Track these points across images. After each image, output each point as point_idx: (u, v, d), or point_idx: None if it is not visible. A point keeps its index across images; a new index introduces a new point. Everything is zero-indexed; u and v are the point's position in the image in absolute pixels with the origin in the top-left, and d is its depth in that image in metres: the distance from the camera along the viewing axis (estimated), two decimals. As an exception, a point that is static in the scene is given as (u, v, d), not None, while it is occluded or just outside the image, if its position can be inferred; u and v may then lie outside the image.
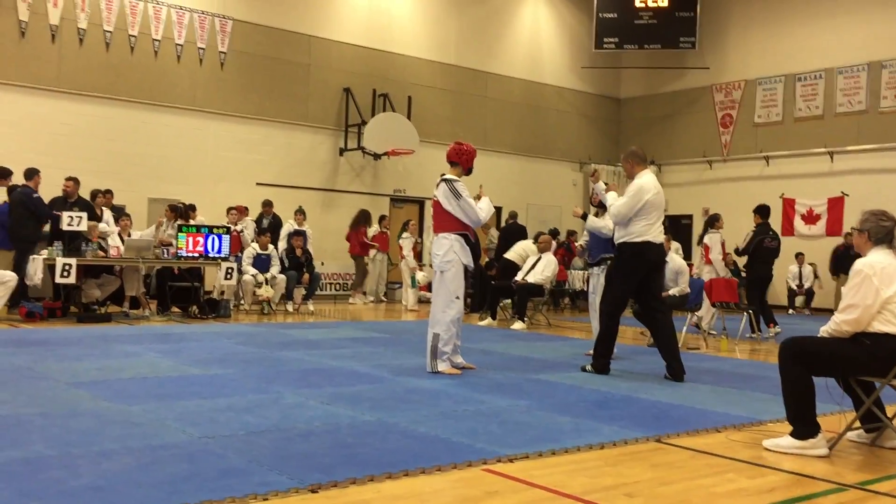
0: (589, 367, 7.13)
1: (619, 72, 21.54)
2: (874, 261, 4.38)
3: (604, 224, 8.08)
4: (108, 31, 14.10)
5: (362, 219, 15.49)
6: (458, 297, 6.76)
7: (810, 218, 17.72)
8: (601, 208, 8.03)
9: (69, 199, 11.08)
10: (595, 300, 8.14)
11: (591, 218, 8.25)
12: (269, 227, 13.69)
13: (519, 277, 12.08)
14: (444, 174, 6.91)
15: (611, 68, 21.20)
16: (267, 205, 14.18)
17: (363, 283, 15.34)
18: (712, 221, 11.62)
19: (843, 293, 4.42)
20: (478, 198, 7.11)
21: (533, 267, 12.06)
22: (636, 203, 6.84)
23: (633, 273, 6.96)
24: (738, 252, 11.64)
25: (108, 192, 12.37)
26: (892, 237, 4.44)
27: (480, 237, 14.43)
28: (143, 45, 14.47)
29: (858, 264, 4.41)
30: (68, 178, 11.22)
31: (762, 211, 11.48)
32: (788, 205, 17.99)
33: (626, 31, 20.04)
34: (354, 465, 3.82)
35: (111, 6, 14.10)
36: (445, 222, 6.82)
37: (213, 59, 15.26)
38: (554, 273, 12.29)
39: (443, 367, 6.73)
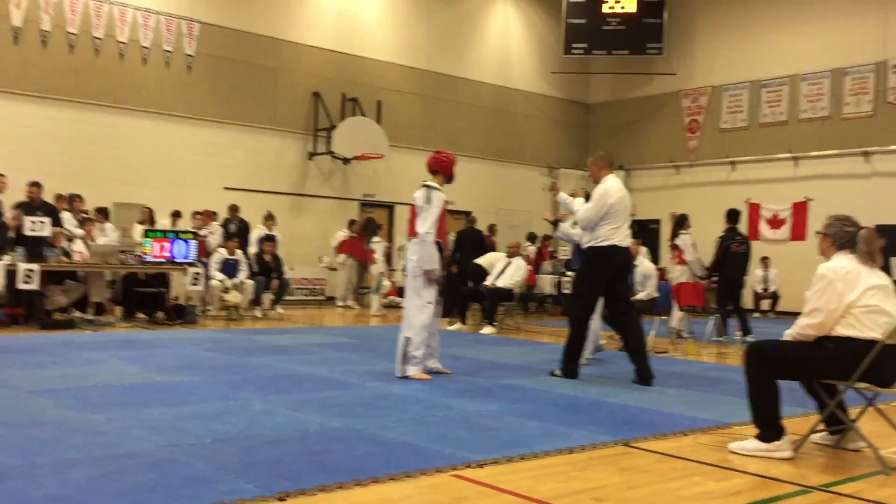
0: (557, 372, 7.13)
1: (587, 77, 21.70)
2: (837, 265, 4.44)
3: (577, 231, 8.04)
4: (72, 34, 13.91)
5: (370, 226, 15.44)
6: (429, 302, 6.75)
7: (775, 222, 17.96)
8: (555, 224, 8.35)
9: (33, 204, 10.90)
10: None
11: (562, 225, 8.27)
12: (236, 231, 13.58)
13: (488, 282, 12.09)
14: (425, 181, 6.90)
15: (579, 73, 21.34)
16: (234, 209, 14.09)
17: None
18: (681, 222, 11.64)
19: (807, 297, 4.47)
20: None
21: (503, 271, 12.07)
22: (601, 208, 6.87)
23: (600, 277, 6.97)
24: (711, 268, 11.35)
25: (77, 196, 12.21)
26: (856, 242, 4.50)
27: None
28: (108, 47, 14.30)
29: (822, 269, 4.46)
30: (31, 183, 11.04)
31: (730, 215, 11.56)
32: (754, 209, 18.21)
33: (594, 37, 20.19)
34: (323, 472, 3.79)
35: (75, 8, 13.92)
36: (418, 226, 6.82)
37: (179, 62, 15.12)
38: (523, 277, 12.33)
39: (412, 371, 6.71)
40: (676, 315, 11.05)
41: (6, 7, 13.26)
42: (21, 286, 9.78)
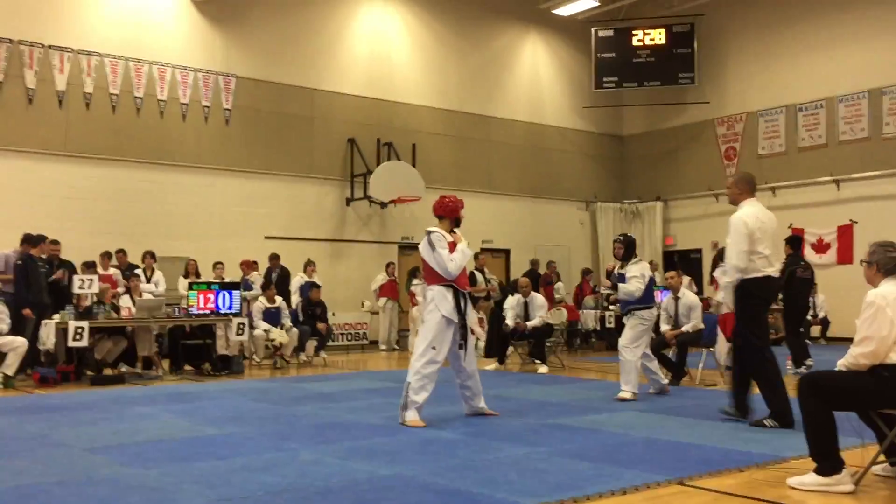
0: (769, 422, 6.37)
1: (620, 110, 21.70)
2: (886, 291, 4.36)
3: (635, 288, 8.30)
4: (113, 94, 14.32)
5: (414, 271, 15.52)
6: (433, 348, 6.62)
7: (820, 247, 17.65)
8: (614, 287, 8.63)
9: (54, 262, 11.17)
10: (627, 351, 8.25)
11: (621, 287, 8.39)
12: (276, 279, 13.72)
13: (510, 322, 11.84)
14: (429, 228, 6.94)
15: (612, 107, 21.36)
16: (274, 258, 14.26)
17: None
18: (723, 254, 11.49)
19: (858, 326, 4.39)
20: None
21: (526, 313, 11.83)
22: (741, 241, 6.41)
23: (758, 310, 6.56)
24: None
25: (121, 251, 12.54)
26: (898, 267, 4.43)
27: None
28: (148, 105, 14.68)
29: (871, 296, 4.38)
30: (53, 241, 11.31)
31: (793, 242, 11.36)
32: (798, 235, 17.92)
33: (625, 70, 20.24)
34: (374, 522, 3.77)
35: (116, 70, 14.34)
36: (430, 274, 6.85)
37: (218, 116, 15.46)
38: (547, 313, 12.18)
39: (408, 417, 6.56)
40: (723, 347, 10.85)
41: (50, 73, 13.71)
42: (71, 343, 9.97)
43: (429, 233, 6.84)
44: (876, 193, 16.89)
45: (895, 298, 4.31)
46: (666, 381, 8.88)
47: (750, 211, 6.56)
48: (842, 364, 4.49)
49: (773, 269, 6.51)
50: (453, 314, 6.70)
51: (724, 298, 6.46)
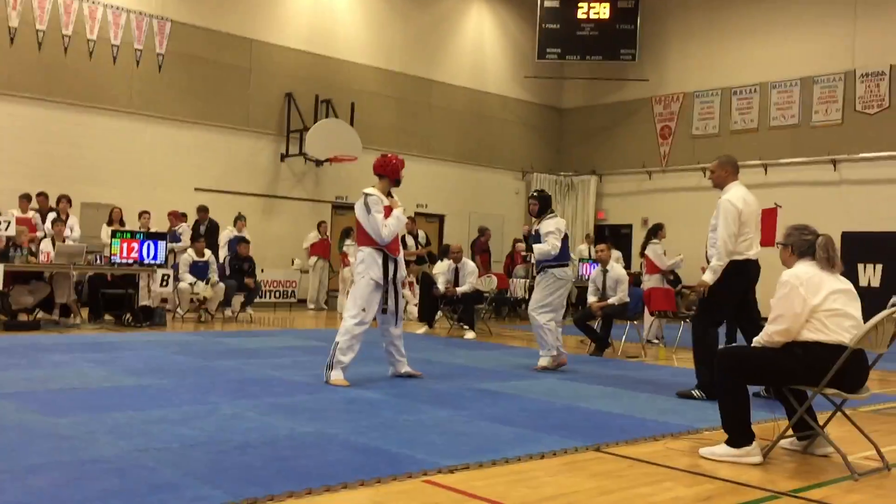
0: (697, 393, 6.50)
1: (561, 82, 21.78)
2: (799, 272, 4.50)
3: (551, 246, 8.01)
4: (40, 30, 13.69)
5: (347, 232, 15.44)
6: (364, 310, 6.59)
7: (745, 228, 18.12)
8: (529, 248, 8.38)
9: None
10: (537, 313, 8.08)
11: (537, 247, 8.13)
12: (205, 232, 13.43)
13: (441, 287, 11.96)
14: (366, 190, 6.82)
15: (553, 78, 21.42)
16: (202, 210, 13.93)
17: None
18: (655, 231, 11.69)
19: (772, 304, 4.52)
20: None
21: (456, 279, 11.93)
22: (734, 223, 6.40)
23: (736, 293, 6.59)
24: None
25: (42, 194, 12.10)
26: (815, 249, 4.56)
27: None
28: (77, 45, 14.09)
29: (785, 275, 4.52)
30: None
31: None
32: (724, 215, 18.36)
33: (568, 42, 20.28)
34: (292, 478, 3.74)
35: (44, 4, 13.71)
36: (362, 236, 6.79)
37: (150, 61, 14.94)
38: (478, 279, 12.28)
39: (333, 376, 6.52)
40: (648, 321, 11.11)
41: (-27, 3, 13.04)
42: (-15, 287, 9.60)
43: (366, 195, 6.73)
44: (802, 179, 17.38)
45: (808, 279, 4.44)
46: (564, 353, 8.32)
47: (738, 193, 6.54)
48: (757, 341, 4.62)
49: (754, 252, 6.56)
50: (381, 278, 6.67)
51: (711, 280, 6.34)
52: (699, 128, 19.27)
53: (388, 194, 6.85)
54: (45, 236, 11.30)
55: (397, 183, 6.92)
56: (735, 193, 6.53)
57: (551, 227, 8.06)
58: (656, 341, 10.95)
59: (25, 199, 11.89)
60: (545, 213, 8.21)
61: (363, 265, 6.69)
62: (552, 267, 8.10)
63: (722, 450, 4.54)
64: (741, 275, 6.51)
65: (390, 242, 6.73)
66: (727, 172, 6.70)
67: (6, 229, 10.16)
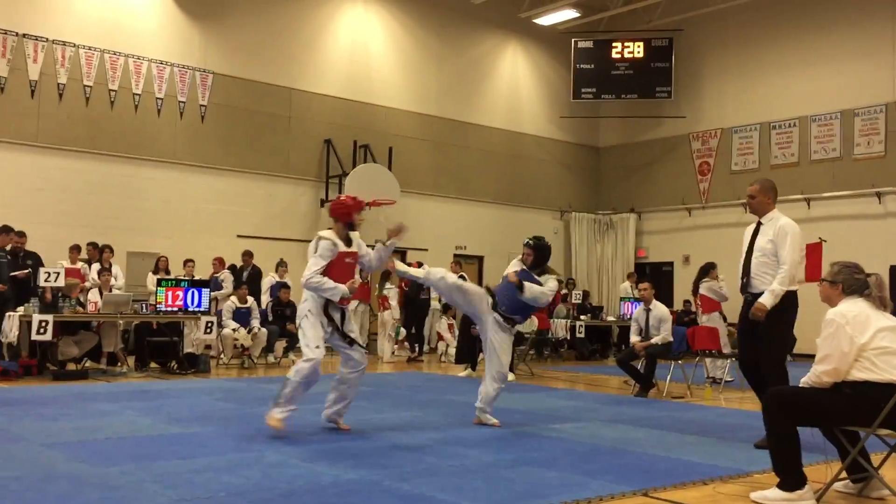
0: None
1: (597, 121, 21.83)
2: (845, 310, 4.43)
3: (549, 290, 6.96)
4: (87, 86, 14.13)
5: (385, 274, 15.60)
6: (317, 346, 6.14)
7: (789, 264, 17.84)
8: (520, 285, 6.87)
9: (18, 254, 11.04)
10: (496, 359, 6.87)
11: (530, 287, 6.84)
12: (247, 278, 13.60)
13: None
14: (320, 233, 6.49)
15: (589, 118, 21.48)
16: (247, 255, 14.11)
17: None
18: (707, 270, 11.53)
19: (818, 344, 4.44)
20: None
21: None
22: (799, 251, 6.30)
23: (792, 325, 6.33)
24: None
25: (108, 247, 12.33)
26: (866, 288, 4.49)
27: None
28: (123, 98, 14.50)
29: (831, 314, 4.44)
30: (19, 233, 11.18)
31: None
32: (767, 251, 18.13)
33: (603, 82, 20.38)
34: (337, 526, 3.73)
35: (91, 61, 14.16)
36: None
37: (193, 112, 15.32)
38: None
39: (274, 414, 6.08)
40: (708, 360, 10.89)
41: (23, 61, 13.51)
42: (35, 337, 9.80)
43: (318, 237, 6.40)
44: (845, 213, 17.12)
45: (854, 316, 4.37)
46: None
47: (789, 219, 6.23)
48: (805, 381, 4.54)
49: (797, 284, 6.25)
50: (321, 317, 6.27)
51: (770, 304, 5.94)
52: (738, 163, 19.13)
53: (347, 238, 6.48)
54: (91, 286, 11.52)
55: (350, 226, 6.54)
56: (788, 218, 6.25)
57: (553, 284, 7.07)
58: (724, 379, 10.68)
59: (75, 250, 12.17)
60: (539, 268, 7.09)
61: (305, 302, 6.35)
62: (519, 322, 7.12)
63: (774, 494, 4.43)
64: (795, 307, 6.19)
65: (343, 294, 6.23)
66: (768, 199, 6.33)
67: (55, 280, 10.38)
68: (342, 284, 6.25)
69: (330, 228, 6.55)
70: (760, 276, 6.16)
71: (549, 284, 6.98)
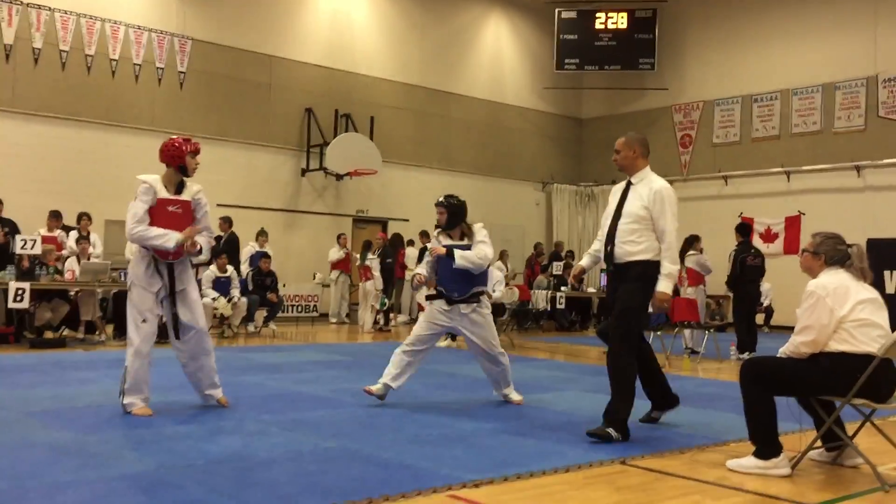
0: (611, 431, 5.09)
1: (580, 92, 21.77)
2: (826, 281, 4.45)
3: (484, 255, 6.24)
4: (63, 51, 13.89)
5: (399, 242, 15.56)
6: (144, 321, 5.55)
7: (768, 236, 17.99)
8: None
9: None
10: (486, 346, 6.41)
11: (462, 254, 6.22)
12: (223, 243, 13.42)
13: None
14: (140, 176, 5.77)
15: (572, 89, 21.41)
16: (224, 221, 13.76)
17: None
18: (691, 242, 11.57)
19: (798, 315, 4.47)
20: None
21: None
22: (675, 219, 5.38)
23: (648, 294, 5.37)
24: (728, 284, 11.28)
25: (86, 215, 12.05)
26: (848, 259, 4.52)
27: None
28: (100, 64, 14.27)
29: (811, 286, 4.47)
30: None
31: (742, 229, 11.56)
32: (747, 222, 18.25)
33: (586, 53, 20.30)
34: (317, 493, 3.74)
35: (67, 25, 13.90)
36: None
37: (172, 79, 15.11)
38: (504, 292, 12.21)
39: (128, 403, 5.52)
40: (687, 332, 10.98)
41: (-2, 25, 13.25)
42: (11, 305, 9.70)
43: (139, 180, 5.71)
44: (825, 186, 17.24)
45: (834, 289, 4.40)
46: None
47: (667, 183, 5.51)
48: (783, 352, 4.58)
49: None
50: (146, 283, 5.60)
51: (670, 289, 5.27)
52: (720, 136, 19.18)
53: (179, 185, 5.81)
54: (69, 255, 11.40)
55: (184, 172, 5.79)
56: (663, 180, 5.53)
57: (482, 235, 6.39)
58: (699, 351, 10.79)
59: (54, 217, 11.98)
60: (455, 227, 6.47)
61: (132, 266, 5.71)
62: (482, 293, 6.49)
63: (750, 462, 4.49)
64: (656, 277, 5.28)
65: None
66: (635, 153, 5.57)
67: (32, 248, 10.26)
68: (163, 237, 5.49)
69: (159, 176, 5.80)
70: (626, 244, 5.31)
71: (480, 249, 6.25)
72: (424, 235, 16.17)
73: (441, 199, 6.58)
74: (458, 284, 6.32)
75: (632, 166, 5.57)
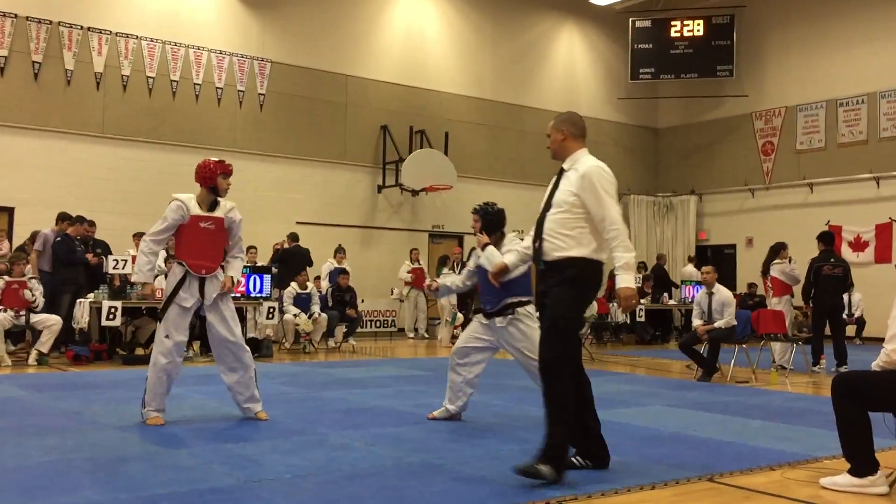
0: (542, 468, 4.25)
1: (656, 102, 21.47)
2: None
3: (516, 259, 4.98)
4: (150, 77, 14.43)
5: (443, 260, 15.67)
6: (168, 336, 5.80)
7: (858, 245, 17.35)
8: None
9: (88, 242, 11.54)
10: (523, 360, 5.97)
11: (489, 254, 5.50)
12: (280, 259, 13.56)
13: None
14: (175, 195, 6.17)
15: (648, 98, 21.14)
16: (291, 237, 14.01)
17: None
18: (777, 250, 11.24)
19: (889, 323, 4.30)
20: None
21: None
22: (613, 195, 4.54)
23: (586, 304, 4.71)
24: (803, 294, 10.91)
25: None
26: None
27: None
28: (184, 89, 14.78)
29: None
30: (90, 223, 11.70)
31: (825, 238, 11.16)
32: (835, 232, 17.64)
33: (662, 61, 20.02)
34: (401, 509, 3.76)
35: (153, 52, 14.45)
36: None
37: (252, 101, 15.53)
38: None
39: (146, 412, 5.86)
40: (777, 346, 10.66)
41: (89, 54, 13.85)
42: (105, 323, 10.09)
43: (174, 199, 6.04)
44: (917, 192, 16.57)
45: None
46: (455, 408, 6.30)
47: (600, 163, 4.69)
48: (877, 364, 4.40)
49: (606, 254, 4.59)
50: (181, 297, 5.83)
51: (633, 283, 4.51)
52: (804, 142, 18.63)
53: (213, 203, 6.09)
54: (158, 274, 11.78)
55: (213, 189, 6.06)
56: (598, 161, 4.73)
57: (513, 244, 5.62)
58: (787, 367, 10.44)
59: (139, 237, 12.42)
60: (491, 236, 5.90)
61: (167, 283, 5.95)
62: (523, 304, 5.94)
63: (844, 480, 4.33)
64: (595, 282, 4.64)
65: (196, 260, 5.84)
66: (564, 135, 4.84)
67: (123, 268, 10.66)
68: (145, 270, 5.85)
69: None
70: (556, 238, 4.53)
71: (511, 245, 5.67)
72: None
73: (477, 206, 6.17)
74: (489, 296, 6.00)
75: (561, 150, 4.82)
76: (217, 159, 6.18)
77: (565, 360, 4.43)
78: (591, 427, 4.71)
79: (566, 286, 4.47)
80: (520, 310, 5.90)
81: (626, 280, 4.47)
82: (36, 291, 10.09)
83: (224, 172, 6.06)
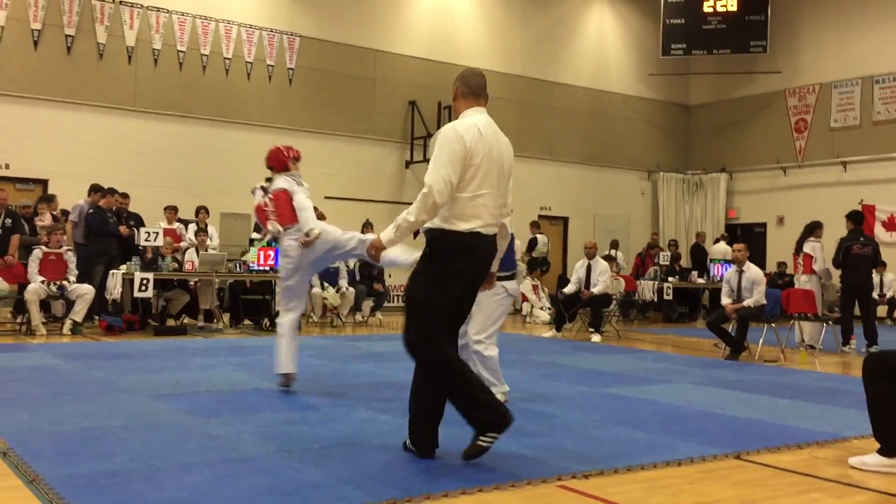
0: (482, 441, 4.10)
1: (687, 78, 21.19)
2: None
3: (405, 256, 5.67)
4: (181, 51, 14.50)
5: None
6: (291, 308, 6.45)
7: (892, 224, 17.10)
8: None
9: (122, 214, 11.68)
10: (483, 346, 5.84)
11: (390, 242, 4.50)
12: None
13: (570, 289, 11.89)
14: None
15: (679, 75, 20.88)
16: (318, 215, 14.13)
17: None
18: (812, 229, 11.11)
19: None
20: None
21: (588, 276, 11.80)
22: (453, 165, 4.11)
23: (454, 280, 4.19)
24: (834, 264, 10.95)
25: (203, 208, 12.71)
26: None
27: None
28: (214, 63, 14.84)
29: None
30: (123, 194, 11.83)
31: (854, 216, 11.01)
32: (868, 211, 17.32)
33: (694, 37, 19.74)
34: (429, 480, 3.81)
35: (184, 27, 14.51)
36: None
37: (281, 76, 15.56)
38: (610, 279, 12.06)
39: (277, 374, 6.38)
40: (807, 325, 10.57)
41: (120, 28, 13.94)
42: (137, 294, 10.24)
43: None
44: (954, 171, 16.26)
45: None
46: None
47: (472, 121, 4.27)
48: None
49: (485, 224, 4.20)
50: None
51: (388, 242, 4.30)
52: (838, 120, 18.32)
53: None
54: (188, 246, 11.93)
55: (285, 169, 6.83)
56: (467, 121, 4.28)
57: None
58: (817, 347, 10.35)
59: (171, 210, 12.56)
60: None
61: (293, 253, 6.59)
62: (502, 278, 5.62)
63: (873, 459, 4.31)
64: (464, 254, 4.16)
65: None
66: (455, 95, 4.54)
67: (155, 240, 10.80)
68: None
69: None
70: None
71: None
72: (535, 226, 16.24)
73: None
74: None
75: (455, 111, 4.48)
76: (287, 146, 6.92)
77: (426, 338, 4.16)
78: (436, 421, 4.36)
79: (422, 261, 4.29)
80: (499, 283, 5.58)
81: (385, 233, 4.25)
82: (71, 263, 10.25)
83: (295, 157, 6.84)
